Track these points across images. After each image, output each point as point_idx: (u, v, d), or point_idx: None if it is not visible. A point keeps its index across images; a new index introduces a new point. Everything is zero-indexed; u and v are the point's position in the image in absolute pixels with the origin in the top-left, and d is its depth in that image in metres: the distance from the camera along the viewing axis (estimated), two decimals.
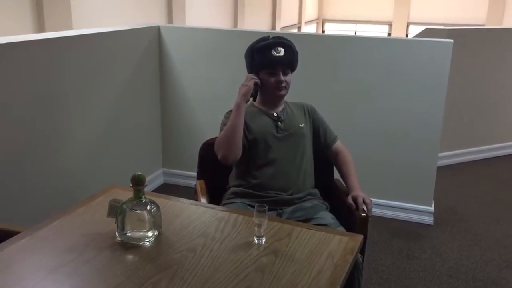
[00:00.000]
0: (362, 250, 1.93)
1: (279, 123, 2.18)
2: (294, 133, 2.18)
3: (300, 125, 2.21)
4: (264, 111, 2.21)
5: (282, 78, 2.12)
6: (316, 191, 2.21)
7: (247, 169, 2.15)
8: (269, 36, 2.19)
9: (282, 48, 2.12)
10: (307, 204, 2.11)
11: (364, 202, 2.02)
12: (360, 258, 1.88)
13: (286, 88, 2.17)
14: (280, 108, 2.22)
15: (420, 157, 3.38)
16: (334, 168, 2.35)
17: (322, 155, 2.31)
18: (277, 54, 2.10)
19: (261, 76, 2.15)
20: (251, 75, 2.17)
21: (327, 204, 2.19)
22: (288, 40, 2.18)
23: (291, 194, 2.11)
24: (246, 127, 2.16)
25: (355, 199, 2.04)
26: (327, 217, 2.03)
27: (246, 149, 2.14)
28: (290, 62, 2.15)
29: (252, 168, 2.14)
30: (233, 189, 2.17)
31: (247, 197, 2.10)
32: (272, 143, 2.15)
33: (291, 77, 2.18)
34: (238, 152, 2.09)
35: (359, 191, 2.10)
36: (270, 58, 2.11)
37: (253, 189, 2.11)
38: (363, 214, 1.99)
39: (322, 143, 2.28)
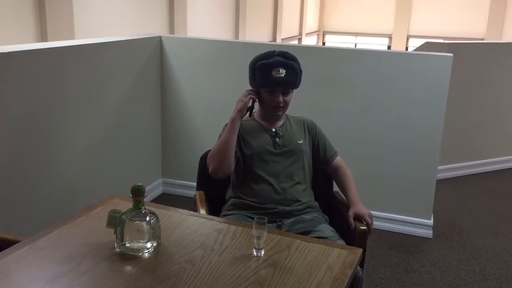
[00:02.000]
0: (361, 263, 1.92)
1: (277, 139, 2.18)
2: (291, 149, 2.17)
3: (299, 141, 2.20)
4: (263, 125, 2.21)
5: (281, 99, 2.11)
6: (316, 203, 2.20)
7: (244, 184, 2.15)
8: (274, 52, 2.15)
9: (284, 69, 2.08)
10: (307, 216, 2.10)
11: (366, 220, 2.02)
12: (360, 271, 1.87)
13: (284, 108, 2.16)
14: (279, 123, 2.22)
15: (420, 170, 3.38)
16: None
17: (321, 168, 2.31)
18: (277, 75, 2.07)
19: (261, 92, 2.15)
20: (249, 91, 2.17)
21: (326, 217, 2.18)
22: (292, 59, 2.14)
23: (290, 207, 2.10)
24: (244, 141, 2.16)
25: (359, 217, 2.03)
26: (327, 230, 2.02)
27: (242, 163, 2.15)
28: (290, 84, 2.12)
29: (250, 182, 2.14)
30: (232, 200, 2.17)
31: (246, 209, 2.09)
32: (269, 159, 2.14)
33: (291, 96, 2.17)
34: (228, 167, 2.10)
35: (361, 205, 2.09)
36: (270, 79, 2.08)
37: (251, 201, 2.11)
38: (363, 227, 1.98)
39: (321, 158, 2.28)
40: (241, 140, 2.16)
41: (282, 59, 2.11)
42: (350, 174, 2.26)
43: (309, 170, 2.24)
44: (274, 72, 2.07)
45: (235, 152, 2.12)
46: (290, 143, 2.18)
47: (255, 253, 1.56)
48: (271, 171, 2.13)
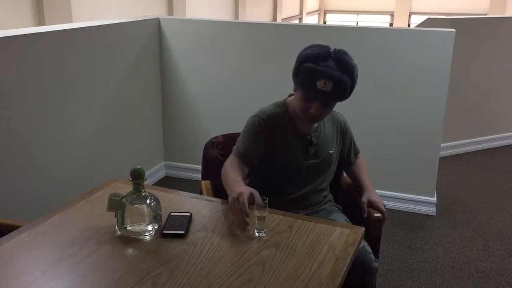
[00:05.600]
0: (376, 253, 1.88)
1: (310, 148, 1.94)
2: (322, 162, 1.97)
3: (330, 151, 1.99)
4: (296, 126, 1.93)
5: (318, 110, 1.81)
6: (330, 196, 2.10)
7: (266, 186, 1.86)
8: (330, 53, 1.78)
9: (332, 83, 1.73)
10: (320, 207, 2.03)
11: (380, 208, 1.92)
12: (375, 262, 1.81)
13: (319, 119, 1.88)
14: (315, 125, 1.96)
15: (423, 147, 3.36)
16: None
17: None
18: (321, 88, 1.74)
19: (298, 92, 1.86)
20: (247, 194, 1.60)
21: (339, 206, 2.10)
22: (347, 70, 1.76)
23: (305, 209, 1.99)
24: (275, 141, 1.91)
25: (373, 205, 1.93)
26: (341, 219, 1.95)
27: (268, 166, 1.94)
28: (334, 98, 1.81)
29: (272, 187, 1.90)
30: None
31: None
32: (297, 169, 1.94)
33: (333, 108, 1.89)
34: None
35: (374, 192, 1.98)
36: (312, 88, 1.76)
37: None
38: (377, 215, 1.90)
39: (344, 161, 2.12)
40: (270, 141, 1.90)
41: (334, 68, 1.74)
42: (364, 163, 2.15)
43: (332, 175, 2.07)
44: (319, 84, 1.74)
45: (255, 162, 1.91)
46: (322, 155, 1.96)
47: (257, 234, 1.55)
48: (296, 182, 1.95)
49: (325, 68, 1.74)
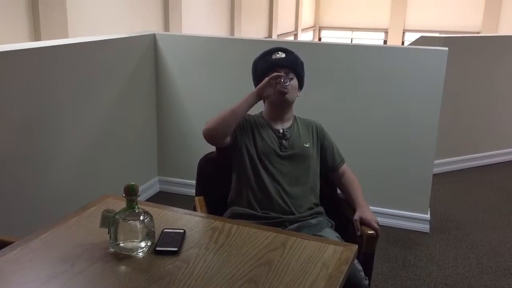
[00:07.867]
0: (368, 271, 1.87)
1: (284, 141, 2.10)
2: (297, 153, 2.10)
3: (305, 144, 2.13)
4: (271, 125, 2.14)
5: (284, 82, 2.06)
6: (321, 209, 2.13)
7: (248, 186, 2.07)
8: (276, 49, 2.18)
9: (283, 52, 2.13)
10: (313, 221, 2.04)
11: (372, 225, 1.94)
12: (365, 280, 1.81)
13: (290, 93, 2.08)
14: (287, 124, 2.15)
15: (416, 164, 3.38)
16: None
17: (326, 174, 2.23)
18: (276, 57, 2.11)
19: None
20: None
21: (332, 222, 2.11)
22: (290, 50, 2.18)
23: (294, 215, 2.03)
24: (252, 139, 2.10)
25: (365, 222, 1.96)
26: (331, 235, 1.95)
27: (248, 163, 2.09)
28: (291, 64, 2.12)
29: (254, 185, 2.06)
30: (235, 208, 2.09)
31: (249, 218, 2.00)
32: (274, 161, 2.07)
33: (296, 83, 2.13)
34: (223, 134, 2.03)
35: (367, 210, 2.02)
36: (270, 61, 2.11)
37: (255, 209, 2.03)
38: (370, 232, 1.90)
39: (329, 166, 2.20)
40: (250, 134, 2.11)
41: (280, 46, 2.17)
42: (356, 179, 2.18)
43: (315, 174, 2.15)
44: (274, 56, 2.12)
45: (236, 136, 2.08)
46: (296, 146, 2.11)
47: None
48: (276, 174, 2.05)
49: (274, 48, 2.16)
